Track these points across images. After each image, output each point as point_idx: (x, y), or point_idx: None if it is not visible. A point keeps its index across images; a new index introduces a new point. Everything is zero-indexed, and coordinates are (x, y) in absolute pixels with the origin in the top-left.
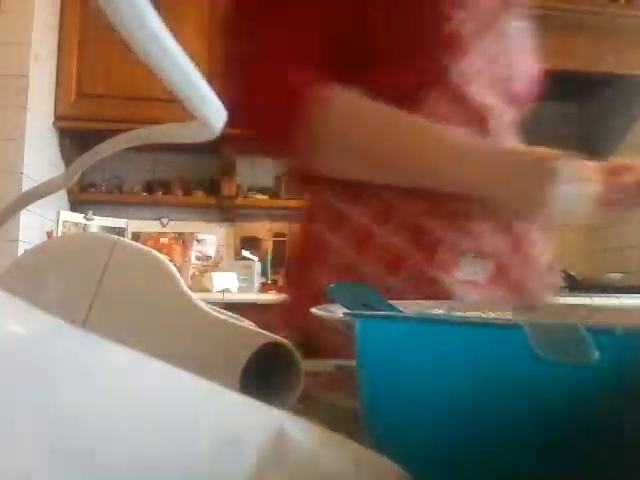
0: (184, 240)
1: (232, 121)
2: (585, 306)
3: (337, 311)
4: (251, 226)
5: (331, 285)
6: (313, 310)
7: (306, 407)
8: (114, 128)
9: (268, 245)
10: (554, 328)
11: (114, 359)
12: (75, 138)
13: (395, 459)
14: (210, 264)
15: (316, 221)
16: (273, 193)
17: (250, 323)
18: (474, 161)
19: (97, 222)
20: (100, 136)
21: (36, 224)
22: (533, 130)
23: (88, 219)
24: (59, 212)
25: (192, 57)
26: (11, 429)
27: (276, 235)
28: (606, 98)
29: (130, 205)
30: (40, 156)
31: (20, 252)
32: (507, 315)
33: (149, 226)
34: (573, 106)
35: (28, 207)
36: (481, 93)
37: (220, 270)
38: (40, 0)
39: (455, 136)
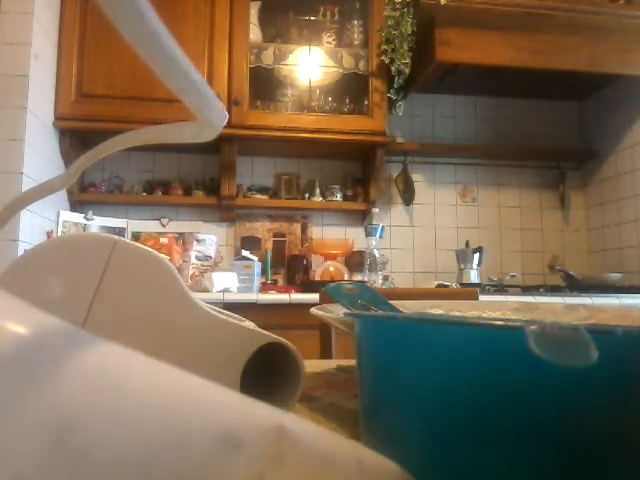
0: (184, 240)
1: None
2: (585, 306)
3: (337, 311)
4: (251, 226)
5: (331, 285)
6: (313, 310)
7: (306, 407)
8: (114, 128)
9: (268, 245)
10: (554, 328)
11: (114, 359)
12: (75, 138)
13: (396, 459)
14: (210, 264)
15: None
16: (273, 193)
17: (250, 323)
18: None
19: (97, 222)
20: (100, 136)
21: (36, 224)
22: (534, 130)
23: (88, 219)
24: (59, 212)
25: (192, 57)
26: (10, 429)
27: (276, 235)
28: (606, 98)
29: (130, 205)
30: (40, 156)
31: (20, 252)
32: (507, 315)
33: (149, 226)
34: (573, 106)
35: (28, 207)
36: None
37: (220, 270)
38: (40, 0)
39: None
